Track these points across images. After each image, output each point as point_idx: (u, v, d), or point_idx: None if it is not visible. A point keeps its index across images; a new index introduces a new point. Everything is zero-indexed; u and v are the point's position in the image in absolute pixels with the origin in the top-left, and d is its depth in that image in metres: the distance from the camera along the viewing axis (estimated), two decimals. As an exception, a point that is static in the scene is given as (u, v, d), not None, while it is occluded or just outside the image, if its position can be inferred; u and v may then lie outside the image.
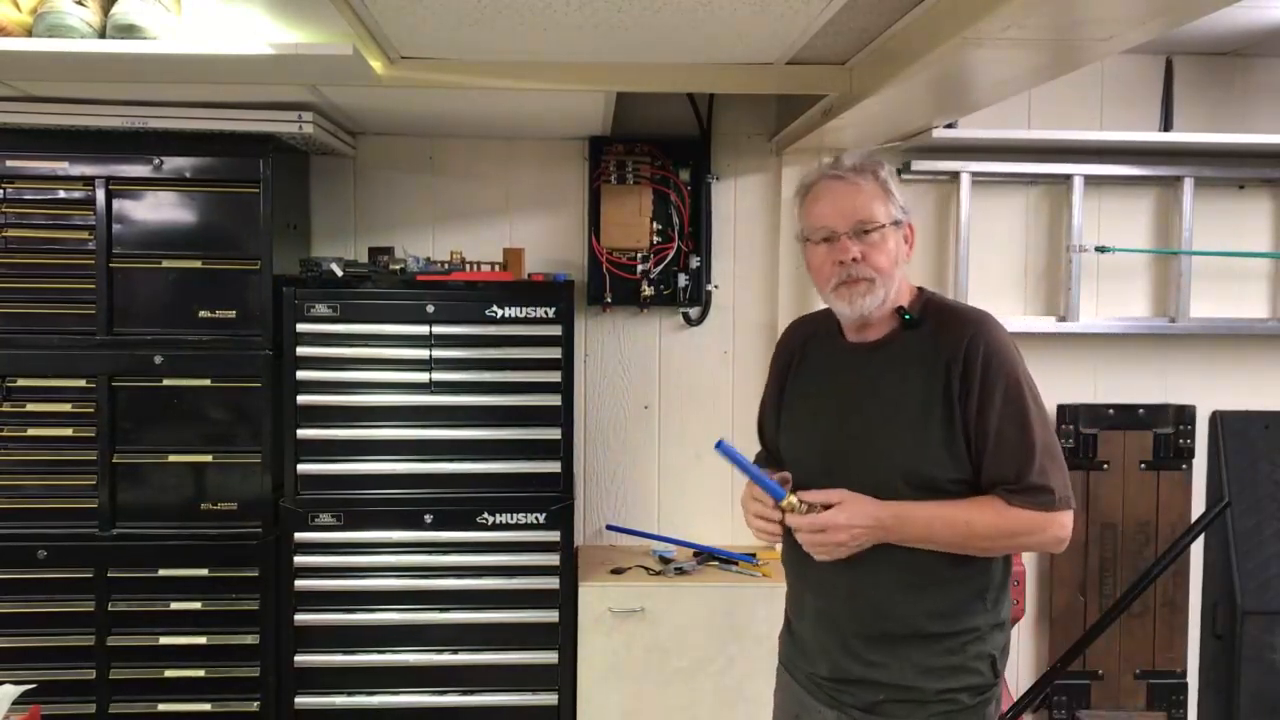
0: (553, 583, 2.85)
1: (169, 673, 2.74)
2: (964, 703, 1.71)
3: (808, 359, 1.87)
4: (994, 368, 1.66)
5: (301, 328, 2.76)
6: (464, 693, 2.84)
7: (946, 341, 1.69)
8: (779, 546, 1.87)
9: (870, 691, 1.74)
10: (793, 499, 1.68)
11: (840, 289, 1.71)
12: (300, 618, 2.79)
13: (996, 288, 3.36)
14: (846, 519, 1.63)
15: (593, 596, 2.89)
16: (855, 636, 1.74)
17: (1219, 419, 3.35)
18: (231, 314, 2.74)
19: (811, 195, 1.77)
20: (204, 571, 2.74)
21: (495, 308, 2.80)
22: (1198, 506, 3.35)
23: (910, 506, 1.66)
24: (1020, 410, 1.65)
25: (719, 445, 1.67)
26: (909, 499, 1.66)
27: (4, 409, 2.71)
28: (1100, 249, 3.29)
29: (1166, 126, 3.29)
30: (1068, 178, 3.27)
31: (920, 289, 1.82)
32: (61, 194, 2.70)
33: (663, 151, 3.20)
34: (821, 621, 1.79)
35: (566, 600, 2.86)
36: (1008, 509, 1.64)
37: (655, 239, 3.21)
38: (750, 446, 2.02)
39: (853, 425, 1.74)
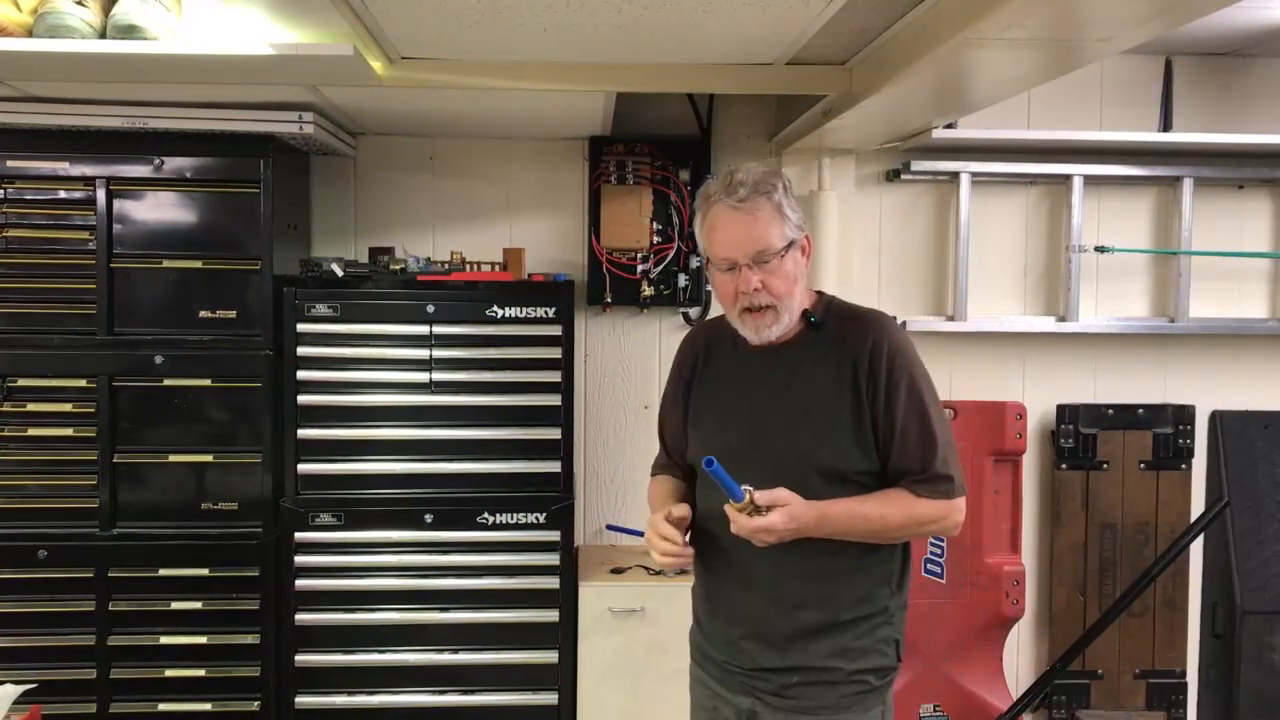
0: (553, 582, 2.86)
1: (169, 672, 2.75)
2: (872, 684, 1.80)
3: (712, 361, 1.93)
4: (898, 367, 1.76)
5: (302, 328, 2.76)
6: (464, 692, 2.85)
7: (851, 342, 1.79)
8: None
9: (784, 676, 1.80)
10: (748, 500, 1.69)
11: (745, 316, 1.78)
12: (301, 617, 2.79)
13: (996, 288, 3.37)
14: (782, 522, 1.67)
15: (592, 596, 2.89)
16: (778, 630, 1.80)
17: (1218, 419, 3.35)
18: (232, 314, 2.74)
19: (710, 223, 1.79)
20: (204, 571, 2.74)
21: (495, 308, 2.80)
22: (1197, 506, 3.35)
23: (830, 506, 1.72)
24: (921, 405, 1.76)
25: (708, 464, 1.65)
26: (821, 490, 1.73)
27: (4, 409, 2.71)
28: (1100, 249, 3.29)
29: (1166, 126, 3.29)
30: (1067, 178, 3.27)
31: (819, 292, 1.89)
32: (62, 194, 2.70)
33: (663, 152, 3.20)
34: (742, 616, 1.84)
35: (566, 600, 2.86)
36: (917, 500, 1.75)
37: (655, 239, 3.21)
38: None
39: (765, 423, 1.80)
